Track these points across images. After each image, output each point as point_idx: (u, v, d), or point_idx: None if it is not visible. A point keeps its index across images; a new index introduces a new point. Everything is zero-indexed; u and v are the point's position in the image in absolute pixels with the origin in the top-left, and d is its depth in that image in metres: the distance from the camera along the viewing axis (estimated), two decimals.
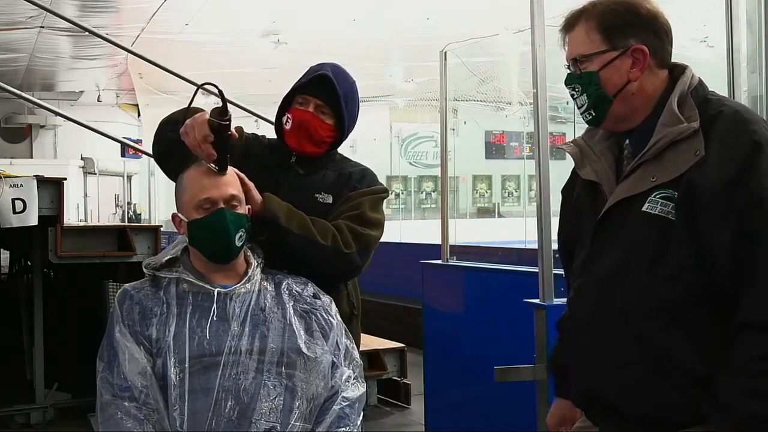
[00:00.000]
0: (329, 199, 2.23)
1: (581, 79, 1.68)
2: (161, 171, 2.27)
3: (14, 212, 3.94)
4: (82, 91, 14.38)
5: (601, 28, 1.65)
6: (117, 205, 15.12)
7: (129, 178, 15.14)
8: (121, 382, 1.80)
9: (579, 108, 1.71)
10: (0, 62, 11.15)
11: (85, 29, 7.18)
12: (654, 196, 1.57)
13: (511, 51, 8.40)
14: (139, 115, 13.96)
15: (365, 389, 2.02)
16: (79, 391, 4.68)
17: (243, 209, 1.97)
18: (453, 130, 11.22)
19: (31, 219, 3.99)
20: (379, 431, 4.87)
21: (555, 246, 2.26)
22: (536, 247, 2.93)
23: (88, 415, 4.28)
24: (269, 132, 2.40)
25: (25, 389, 4.94)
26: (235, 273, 1.96)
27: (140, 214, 14.93)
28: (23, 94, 6.13)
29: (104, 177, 14.71)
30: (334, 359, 1.96)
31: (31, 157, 15.12)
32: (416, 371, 5.07)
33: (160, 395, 1.80)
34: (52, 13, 7.46)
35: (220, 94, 1.98)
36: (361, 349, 2.16)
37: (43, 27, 9.36)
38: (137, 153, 10.52)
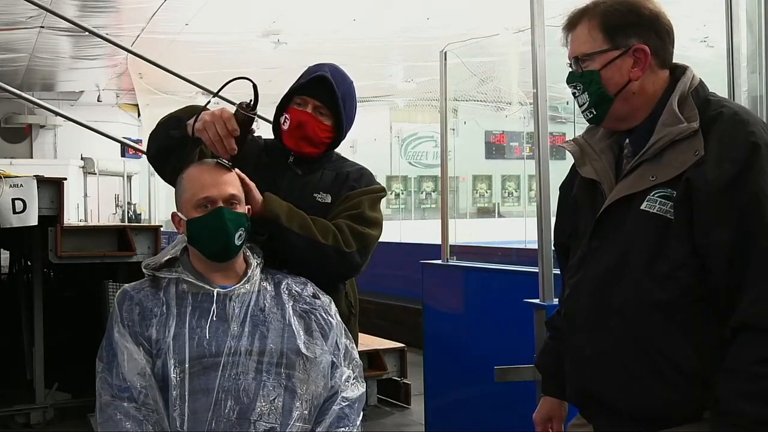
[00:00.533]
0: (328, 199, 2.23)
1: (583, 78, 1.68)
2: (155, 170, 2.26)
3: (14, 212, 3.93)
4: (82, 91, 14.40)
5: (603, 27, 1.65)
6: (117, 205, 15.12)
7: (129, 178, 15.15)
8: (121, 382, 1.80)
9: (580, 106, 1.71)
10: (0, 62, 11.16)
11: (85, 29, 7.19)
12: (653, 195, 1.58)
13: (511, 51, 8.40)
14: (139, 115, 13.97)
15: (365, 389, 2.02)
16: (79, 391, 4.68)
17: (242, 209, 1.97)
18: (453, 130, 11.23)
19: (31, 219, 3.99)
20: (379, 431, 4.88)
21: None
22: (536, 247, 2.93)
23: (88, 415, 4.28)
24: (270, 132, 2.40)
25: (25, 389, 4.93)
26: (234, 273, 1.96)
27: (140, 214, 14.93)
28: (23, 94, 6.12)
29: (104, 177, 14.72)
30: (334, 359, 1.96)
31: (31, 157, 15.14)
32: (416, 371, 5.07)
33: (159, 396, 1.79)
34: (52, 13, 7.46)
35: (254, 87, 2.01)
36: (361, 349, 2.16)
37: (43, 27, 9.37)
38: (137, 153, 10.51)
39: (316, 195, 2.23)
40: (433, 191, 18.27)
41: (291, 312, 1.94)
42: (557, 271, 2.69)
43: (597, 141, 1.76)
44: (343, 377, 1.96)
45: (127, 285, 1.97)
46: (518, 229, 11.17)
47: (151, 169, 2.47)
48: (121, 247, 4.35)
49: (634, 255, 1.59)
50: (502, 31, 7.33)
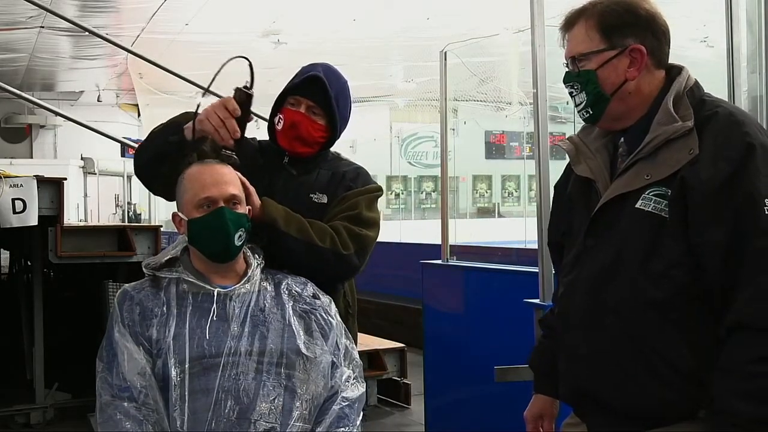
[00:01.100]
0: (324, 199, 2.23)
1: (579, 77, 1.69)
2: (140, 180, 2.24)
3: (14, 212, 3.93)
4: (82, 91, 14.40)
5: (600, 27, 1.66)
6: (117, 205, 15.12)
7: (129, 178, 15.13)
8: (121, 382, 1.80)
9: (576, 106, 1.72)
10: (0, 62, 11.16)
11: (85, 29, 7.20)
12: (647, 194, 1.58)
13: (511, 51, 8.41)
14: (139, 115, 13.98)
15: (365, 389, 2.02)
16: (79, 391, 4.68)
17: (243, 209, 1.97)
18: (453, 130, 11.23)
19: (31, 219, 3.99)
20: (379, 431, 4.88)
21: None
22: (536, 247, 2.93)
23: (88, 415, 4.28)
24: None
25: (25, 389, 4.94)
26: (234, 273, 1.96)
27: (140, 214, 14.93)
28: (23, 94, 6.13)
29: (104, 177, 14.72)
30: (334, 359, 1.96)
31: (31, 157, 15.15)
32: (416, 371, 5.07)
33: (159, 395, 1.80)
34: (52, 13, 7.47)
35: (249, 66, 2.05)
36: (361, 350, 2.16)
37: (43, 27, 9.37)
38: None
39: (312, 195, 2.23)
40: (433, 191, 18.27)
41: (291, 312, 1.94)
42: None
43: (592, 140, 1.77)
44: (343, 377, 1.96)
45: (127, 285, 1.97)
46: (518, 229, 11.18)
47: None
48: (121, 247, 4.36)
49: (629, 253, 1.60)
50: (502, 31, 7.34)
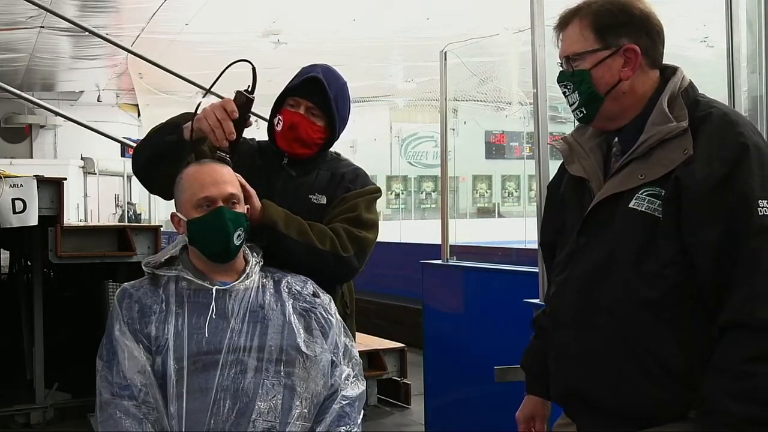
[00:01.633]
0: (323, 200, 2.24)
1: (573, 77, 1.69)
2: (139, 180, 2.26)
3: (14, 212, 3.93)
4: (82, 91, 14.40)
5: (594, 27, 1.66)
6: (117, 205, 15.12)
7: (129, 178, 15.11)
8: (121, 380, 1.80)
9: (570, 105, 1.72)
10: (0, 62, 11.16)
11: (85, 29, 7.20)
12: (641, 194, 1.58)
13: (511, 51, 8.41)
14: (139, 115, 13.98)
15: (365, 387, 2.02)
16: (79, 391, 4.68)
17: (242, 208, 1.97)
18: (453, 130, 11.22)
19: (31, 219, 3.99)
20: (379, 431, 4.88)
21: None
22: (536, 247, 2.92)
23: (88, 415, 4.28)
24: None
25: (25, 389, 4.94)
26: (234, 270, 1.96)
27: (140, 214, 14.92)
28: (23, 94, 6.13)
29: (104, 177, 14.71)
30: (334, 358, 1.96)
31: (31, 157, 15.14)
32: (416, 371, 5.07)
33: (159, 394, 1.80)
34: (52, 13, 7.47)
35: (253, 70, 2.04)
36: (361, 349, 2.17)
37: (43, 27, 9.37)
38: None
39: (311, 196, 2.24)
40: (433, 191, 18.27)
41: (291, 310, 1.95)
42: None
43: (586, 140, 1.77)
44: (343, 376, 1.96)
45: (126, 283, 1.97)
46: (518, 229, 11.18)
47: None
48: (121, 247, 4.36)
49: (623, 253, 1.59)
50: (502, 31, 7.33)
